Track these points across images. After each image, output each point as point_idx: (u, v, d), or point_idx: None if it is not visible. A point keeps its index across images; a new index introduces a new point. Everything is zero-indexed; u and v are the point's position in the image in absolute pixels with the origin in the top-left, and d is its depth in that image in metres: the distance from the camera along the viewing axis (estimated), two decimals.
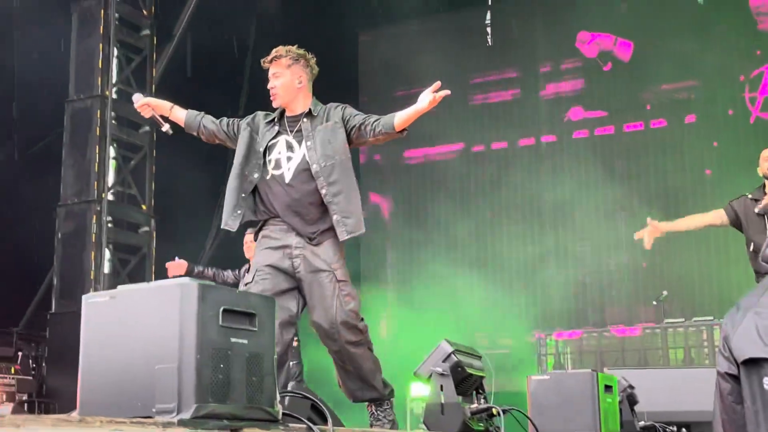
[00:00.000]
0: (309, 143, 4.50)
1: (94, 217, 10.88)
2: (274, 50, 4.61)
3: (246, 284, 4.49)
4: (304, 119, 4.55)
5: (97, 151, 11.03)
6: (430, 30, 14.27)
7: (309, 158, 4.47)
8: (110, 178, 11.17)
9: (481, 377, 4.80)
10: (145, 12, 11.88)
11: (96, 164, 10.99)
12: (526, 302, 13.17)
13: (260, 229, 4.57)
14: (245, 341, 2.92)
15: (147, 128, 11.60)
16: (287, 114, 4.62)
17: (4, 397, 9.68)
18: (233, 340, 2.88)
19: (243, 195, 4.52)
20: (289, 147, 4.55)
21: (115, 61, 11.37)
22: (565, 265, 13.24)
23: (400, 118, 4.43)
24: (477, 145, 14.29)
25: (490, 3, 13.88)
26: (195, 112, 4.77)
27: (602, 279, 13.27)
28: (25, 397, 10.16)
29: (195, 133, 4.80)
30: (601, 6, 13.20)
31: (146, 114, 4.75)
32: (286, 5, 14.22)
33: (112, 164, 11.22)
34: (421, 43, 14.02)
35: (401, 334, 12.71)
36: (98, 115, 11.10)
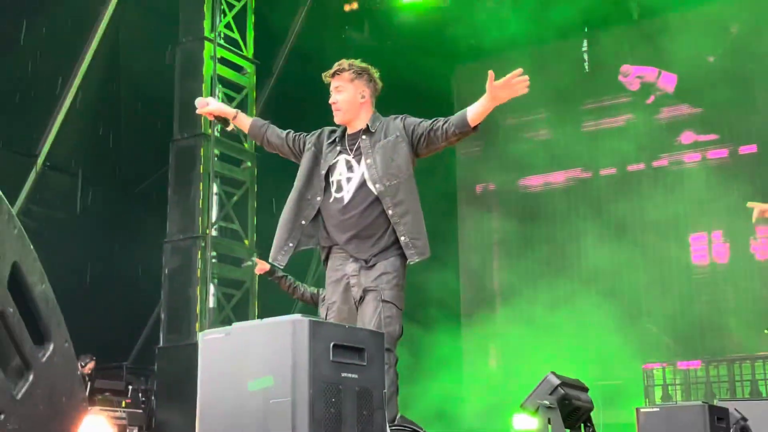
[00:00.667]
0: (369, 161, 4.25)
1: (199, 252, 11.14)
2: (336, 64, 4.44)
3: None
4: (363, 136, 4.32)
5: (201, 187, 11.31)
6: (527, 60, 14.23)
7: (369, 177, 4.22)
8: (214, 214, 11.44)
9: (589, 409, 4.74)
10: (245, 52, 12.18)
11: (200, 201, 11.27)
12: (637, 332, 12.85)
13: (325, 259, 4.37)
14: (355, 376, 2.96)
15: (248, 164, 11.87)
16: (349, 131, 4.40)
17: (116, 430, 9.93)
18: (344, 374, 2.92)
19: (303, 222, 4.32)
20: (349, 167, 4.31)
21: (217, 100, 11.64)
22: (677, 293, 12.93)
23: (474, 113, 4.16)
24: (589, 170, 14.05)
25: (586, 30, 13.79)
26: (260, 122, 4.62)
27: (714, 307, 12.90)
28: (135, 430, 10.40)
29: (259, 143, 4.67)
30: (710, 26, 12.86)
31: (209, 118, 4.64)
32: (382, 39, 14.38)
33: (215, 200, 11.49)
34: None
35: (510, 364, 12.60)
36: (201, 153, 11.40)
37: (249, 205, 11.88)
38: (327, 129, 4.48)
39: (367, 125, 4.33)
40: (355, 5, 14.11)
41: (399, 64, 13.57)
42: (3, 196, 2.05)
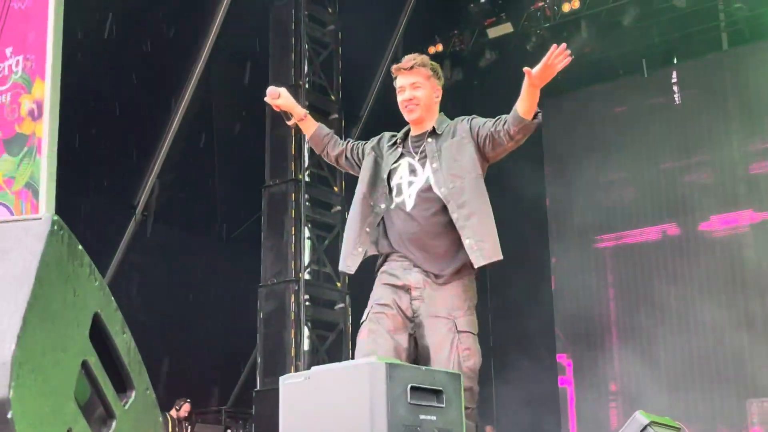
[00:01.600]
0: (435, 165, 3.93)
1: (293, 296, 11.30)
2: (410, 58, 4.09)
3: (361, 322, 3.93)
4: (429, 138, 4.01)
5: (293, 232, 11.49)
6: (614, 91, 14.11)
7: (435, 181, 3.90)
8: (306, 258, 11.59)
9: None
10: (332, 97, 12.39)
11: (292, 245, 11.44)
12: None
13: (381, 264, 4.02)
14: (434, 417, 2.96)
15: (339, 207, 12.02)
16: (413, 133, 4.08)
17: None
18: (422, 417, 2.93)
19: (368, 229, 4.02)
20: (412, 170, 4.01)
21: (306, 146, 11.86)
22: None
23: (523, 107, 3.76)
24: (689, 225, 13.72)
25: (675, 62, 13.61)
26: (326, 130, 4.35)
27: None
28: None
29: (319, 152, 4.39)
30: None
31: (276, 109, 4.32)
32: (469, 76, 14.45)
33: (307, 244, 11.65)
34: (608, 105, 13.88)
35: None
36: (293, 198, 11.60)
37: (339, 247, 11.97)
38: (387, 133, 4.24)
39: (434, 127, 4.03)
40: (439, 47, 14.23)
41: (486, 102, 13.58)
42: (84, 250, 2.15)
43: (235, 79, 12.32)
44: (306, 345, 11.32)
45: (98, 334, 2.17)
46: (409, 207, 3.92)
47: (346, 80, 12.58)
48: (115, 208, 11.12)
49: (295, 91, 11.78)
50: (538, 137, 14.40)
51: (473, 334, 3.81)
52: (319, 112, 12.19)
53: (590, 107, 14.13)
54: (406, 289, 3.85)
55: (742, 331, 12.39)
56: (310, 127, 4.29)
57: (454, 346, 3.72)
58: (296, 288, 11.33)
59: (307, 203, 11.68)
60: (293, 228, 11.52)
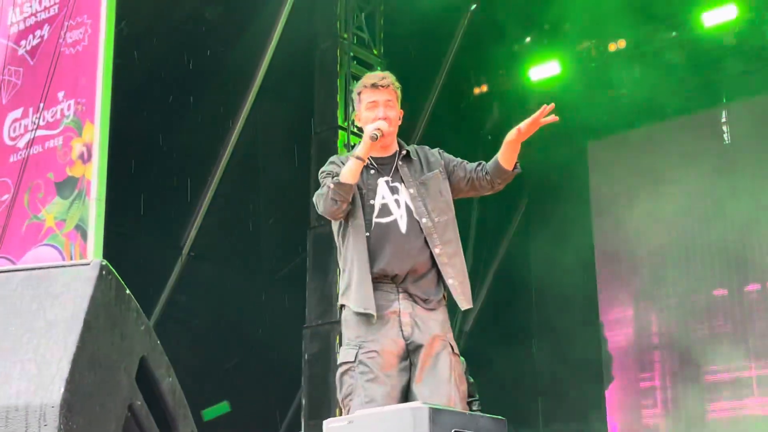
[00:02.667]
0: (412, 191, 3.86)
1: (338, 337, 11.28)
2: (385, 75, 4.07)
3: (347, 362, 3.82)
4: (400, 162, 3.96)
5: (337, 273, 11.50)
6: (663, 133, 14.01)
7: (415, 209, 3.83)
8: None
9: None
10: None
11: (337, 286, 11.45)
12: None
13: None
14: None
15: None
16: (378, 154, 3.97)
17: None
18: None
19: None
20: (393, 189, 3.92)
21: None
22: None
23: (505, 158, 3.88)
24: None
25: (724, 101, 13.49)
26: None
27: None
28: None
29: (349, 198, 3.96)
30: None
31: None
32: (512, 119, 14.43)
33: None
34: (656, 146, 13.79)
35: None
36: None
37: None
38: (346, 156, 4.03)
39: (408, 151, 3.99)
40: (484, 88, 14.27)
41: (531, 141, 13.51)
42: (132, 295, 2.18)
43: (281, 121, 12.45)
44: None
45: (144, 378, 2.20)
46: (404, 228, 3.86)
47: None
48: (163, 248, 11.23)
49: (339, 134, 11.88)
50: (586, 179, 14.33)
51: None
52: None
53: (635, 149, 14.03)
54: (394, 314, 3.79)
55: None
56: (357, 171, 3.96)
57: (452, 368, 3.72)
58: (341, 330, 11.29)
59: None
60: (338, 269, 11.52)
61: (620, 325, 14.00)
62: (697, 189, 13.22)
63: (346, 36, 12.35)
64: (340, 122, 11.95)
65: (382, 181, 3.92)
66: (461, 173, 3.98)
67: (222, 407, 12.74)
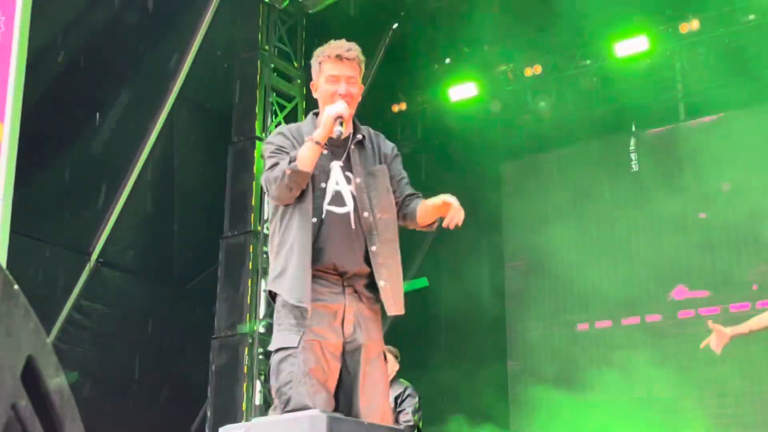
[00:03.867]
0: (359, 180, 3.60)
1: (246, 349, 11.21)
2: (352, 47, 3.75)
3: (288, 347, 3.43)
4: (352, 146, 3.66)
5: (249, 284, 11.44)
6: (574, 157, 14.29)
7: (360, 201, 3.58)
8: (261, 311, 11.53)
9: None
10: None
11: (248, 297, 11.39)
12: None
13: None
14: None
15: None
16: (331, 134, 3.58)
17: None
18: None
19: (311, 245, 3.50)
20: (348, 180, 3.64)
21: (267, 199, 11.88)
22: None
23: (424, 216, 3.69)
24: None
25: (633, 129, 13.85)
26: None
27: None
28: None
29: (299, 188, 3.61)
30: None
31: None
32: (430, 137, 14.59)
33: (263, 297, 11.59)
34: (567, 170, 14.05)
35: None
36: (251, 250, 11.57)
37: None
38: (292, 127, 3.80)
39: (363, 136, 3.70)
40: (404, 106, 14.39)
41: (447, 161, 13.77)
42: (20, 290, 2.14)
43: (199, 129, 12.36)
44: (258, 399, 11.21)
45: (31, 377, 2.15)
46: (353, 223, 3.59)
47: None
48: (71, 253, 11.01)
49: (257, 144, 11.85)
50: (499, 200, 14.54)
51: None
52: None
53: (547, 172, 14.32)
54: (337, 309, 3.53)
55: None
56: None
57: (386, 378, 3.59)
58: (250, 341, 11.25)
59: (265, 255, 11.64)
60: (250, 280, 11.47)
61: (529, 346, 14.20)
62: (606, 214, 13.54)
63: (267, 48, 12.34)
64: (258, 133, 11.93)
65: (336, 165, 3.62)
66: (395, 188, 3.75)
67: (421, 281, 12.50)
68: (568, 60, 13.19)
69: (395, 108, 14.22)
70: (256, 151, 11.87)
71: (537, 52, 13.12)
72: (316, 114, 3.81)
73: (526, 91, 13.56)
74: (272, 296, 3.70)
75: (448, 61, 14.03)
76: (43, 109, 9.61)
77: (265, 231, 11.71)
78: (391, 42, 13.97)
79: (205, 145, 12.29)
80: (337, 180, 3.60)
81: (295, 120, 12.54)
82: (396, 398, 7.30)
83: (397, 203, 3.73)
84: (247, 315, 11.35)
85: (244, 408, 10.95)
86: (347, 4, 13.02)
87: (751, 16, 12.03)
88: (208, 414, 11.34)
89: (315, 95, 3.85)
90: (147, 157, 11.52)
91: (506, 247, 14.45)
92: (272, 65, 12.35)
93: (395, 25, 13.96)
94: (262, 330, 11.45)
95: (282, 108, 12.48)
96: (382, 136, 3.84)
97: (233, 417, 10.91)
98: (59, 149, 10.53)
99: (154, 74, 11.56)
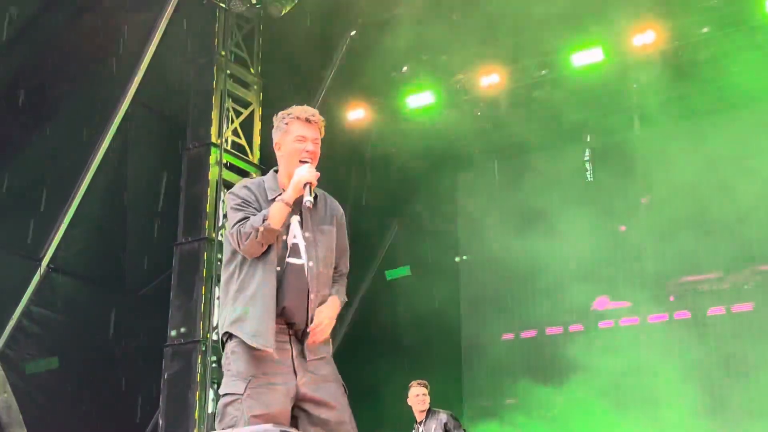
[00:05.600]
0: (308, 234, 3.84)
1: (200, 357, 11.10)
2: (314, 112, 4.01)
3: (233, 395, 3.63)
4: (308, 204, 3.82)
5: (203, 292, 11.34)
6: (530, 166, 14.39)
7: (306, 252, 3.81)
8: (215, 319, 11.43)
9: None
10: (251, 157, 12.37)
11: (202, 305, 11.28)
12: None
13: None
14: None
15: None
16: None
17: None
18: None
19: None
20: (303, 234, 3.87)
21: (221, 205, 11.79)
22: None
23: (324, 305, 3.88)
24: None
25: (588, 140, 13.97)
26: None
27: None
28: None
29: (267, 242, 3.82)
30: None
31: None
32: (386, 145, 14.59)
33: (216, 304, 11.49)
34: (523, 178, 14.13)
35: None
36: (205, 257, 11.46)
37: None
38: (253, 184, 3.98)
39: (316, 194, 3.91)
40: (361, 112, 14.34)
41: (404, 170, 13.77)
42: None
43: (153, 135, 12.21)
44: (210, 407, 11.10)
45: None
46: (314, 274, 3.82)
47: (265, 140, 12.58)
48: (20, 259, 10.81)
49: (212, 151, 11.75)
50: (454, 210, 14.56)
51: None
52: (237, 172, 12.16)
53: (501, 179, 14.43)
54: (289, 356, 3.74)
55: None
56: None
57: (350, 413, 3.75)
58: (203, 349, 11.15)
59: (219, 263, 11.55)
60: (203, 287, 11.37)
61: (483, 352, 14.26)
62: (562, 221, 13.62)
63: (223, 53, 12.25)
64: (213, 139, 11.83)
65: (295, 220, 3.86)
66: (336, 254, 4.02)
67: (403, 270, 12.87)
68: (526, 70, 13.24)
69: (353, 115, 14.18)
70: (211, 158, 11.77)
71: (494, 62, 13.16)
72: (276, 171, 4.04)
73: (482, 100, 13.59)
74: (225, 339, 3.87)
75: (405, 69, 14.01)
76: None
77: (220, 238, 11.62)
78: (349, 49, 13.94)
79: (159, 151, 12.15)
80: (295, 233, 3.83)
81: (251, 126, 12.50)
82: (445, 426, 7.83)
83: (336, 275, 4.03)
84: (201, 322, 11.24)
85: (196, 416, 10.84)
86: (304, 11, 12.95)
87: (705, 29, 12.17)
88: (160, 422, 11.20)
89: (278, 153, 4.05)
90: (100, 163, 11.35)
91: (461, 255, 14.52)
92: (228, 71, 12.25)
93: (353, 33, 13.93)
94: (215, 338, 11.34)
95: (238, 114, 12.40)
96: (335, 203, 4.10)
97: (186, 425, 10.81)
98: (7, 155, 10.35)
99: (108, 79, 11.42)
